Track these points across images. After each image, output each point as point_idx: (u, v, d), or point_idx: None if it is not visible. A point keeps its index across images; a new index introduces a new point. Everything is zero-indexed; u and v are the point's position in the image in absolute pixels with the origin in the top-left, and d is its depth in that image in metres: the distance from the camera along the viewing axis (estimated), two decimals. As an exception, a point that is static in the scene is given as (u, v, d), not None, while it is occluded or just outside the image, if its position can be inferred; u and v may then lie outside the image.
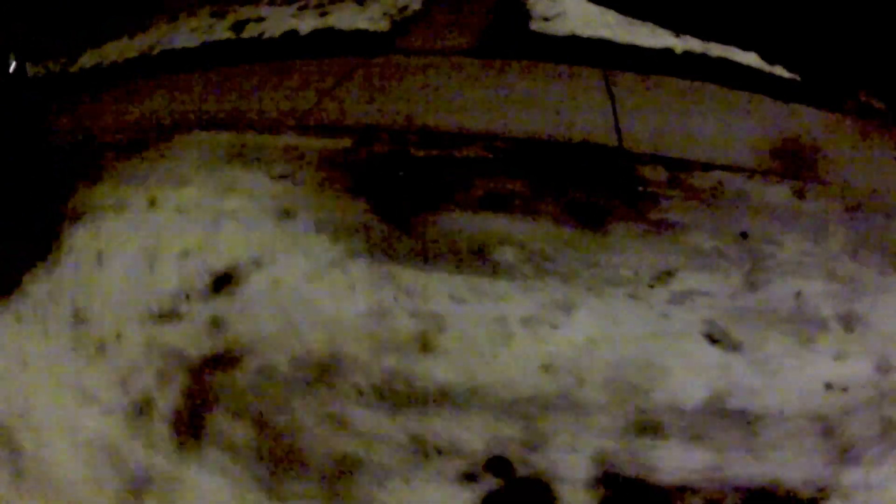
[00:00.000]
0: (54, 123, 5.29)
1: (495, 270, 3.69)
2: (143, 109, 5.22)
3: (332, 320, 3.53)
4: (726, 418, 3.26)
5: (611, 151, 4.43)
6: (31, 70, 5.74)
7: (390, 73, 5.28)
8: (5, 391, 3.87)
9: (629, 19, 5.85)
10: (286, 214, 4.09)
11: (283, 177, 4.36)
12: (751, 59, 5.48)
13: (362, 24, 5.78)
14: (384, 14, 5.83)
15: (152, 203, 4.42)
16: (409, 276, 3.66)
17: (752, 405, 3.27)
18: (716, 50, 5.49)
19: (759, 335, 3.55)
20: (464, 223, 3.96)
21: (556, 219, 3.95)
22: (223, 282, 3.83)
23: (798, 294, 3.63)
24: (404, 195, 4.10)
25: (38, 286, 4.25)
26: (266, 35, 5.81)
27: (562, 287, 3.60)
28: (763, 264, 3.86)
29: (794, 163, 4.53)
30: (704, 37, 5.65)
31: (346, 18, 5.84)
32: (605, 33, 5.54)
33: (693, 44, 5.56)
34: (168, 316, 3.76)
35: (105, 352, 3.72)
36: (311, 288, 3.67)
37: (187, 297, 3.81)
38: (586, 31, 5.56)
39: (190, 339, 3.62)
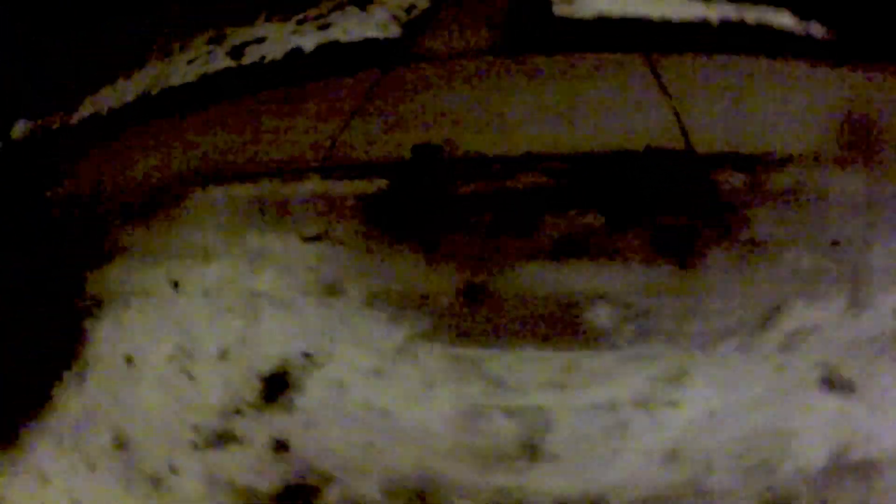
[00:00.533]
0: (59, 190, 4.68)
1: (592, 339, 3.13)
2: (147, 164, 4.60)
3: (416, 431, 3.03)
4: (849, 473, 2.81)
5: (680, 156, 3.79)
6: (27, 129, 5.10)
7: (413, 86, 4.60)
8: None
9: None
10: (332, 292, 3.52)
11: (317, 238, 3.77)
12: (785, 19, 4.73)
13: (371, 31, 5.03)
14: (392, 17, 5.08)
15: (175, 286, 3.87)
16: (494, 358, 3.14)
17: (872, 452, 2.81)
18: (750, 15, 4.73)
19: (870, 368, 3.06)
20: (543, 278, 3.43)
21: (644, 258, 3.39)
22: (276, 387, 3.31)
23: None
24: (465, 248, 3.48)
25: (70, 402, 3.79)
26: (268, 58, 5.09)
27: (670, 351, 3.06)
28: (860, 278, 3.32)
29: (860, 142, 3.87)
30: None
31: (352, 28, 5.08)
32: (633, 9, 4.78)
33: (726, 10, 4.82)
34: (223, 438, 3.26)
35: (160, 490, 3.22)
36: (382, 390, 3.14)
37: (238, 411, 3.31)
38: (613, 9, 4.81)
39: (254, 469, 3.13)
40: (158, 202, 4.24)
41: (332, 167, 4.09)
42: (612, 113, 4.16)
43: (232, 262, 3.80)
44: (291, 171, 4.13)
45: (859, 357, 3.10)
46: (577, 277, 3.32)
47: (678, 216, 3.50)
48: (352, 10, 5.23)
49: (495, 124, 4.15)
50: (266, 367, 3.36)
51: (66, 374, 3.84)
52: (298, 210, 3.95)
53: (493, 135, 4.09)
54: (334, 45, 5.01)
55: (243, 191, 4.14)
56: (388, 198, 3.81)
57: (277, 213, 3.96)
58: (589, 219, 3.53)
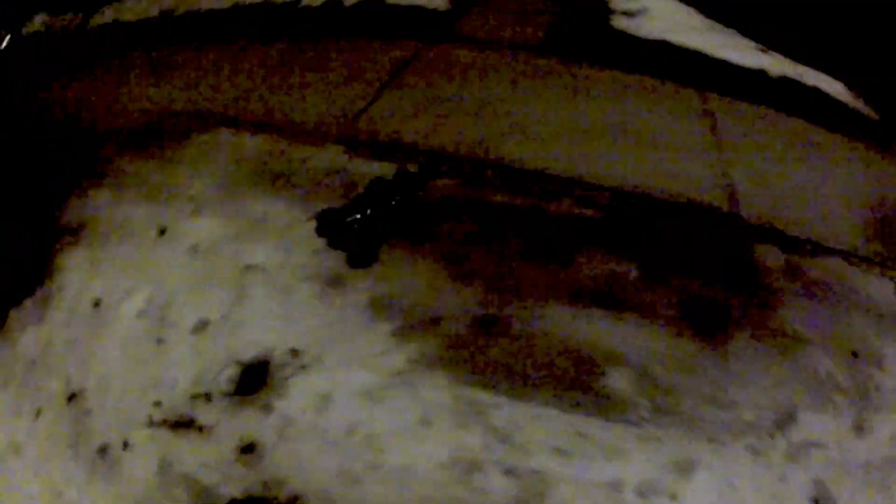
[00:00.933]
0: (56, 102, 4.22)
1: (608, 406, 2.89)
2: (156, 92, 4.16)
3: (403, 472, 2.77)
4: None
5: (725, 220, 3.52)
6: (43, 23, 4.58)
7: (453, 71, 4.21)
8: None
9: (713, 23, 4.75)
10: (333, 282, 3.19)
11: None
12: (838, 88, 4.45)
13: (418, -1, 4.59)
14: (443, -13, 4.64)
15: (162, 233, 3.51)
16: (501, 408, 2.86)
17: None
18: (809, 77, 4.45)
19: (857, 496, 2.93)
20: (568, 323, 3.14)
21: (673, 325, 3.13)
22: (254, 380, 3.02)
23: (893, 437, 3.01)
24: (490, 269, 3.19)
25: (26, 333, 3.47)
26: (304, 2, 4.61)
27: (683, 438, 2.85)
28: (869, 397, 3.16)
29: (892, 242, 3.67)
30: (788, 53, 4.69)
31: (399, -11, 4.64)
32: (694, 41, 4.46)
33: (785, 66, 4.56)
34: (185, 424, 2.96)
35: (109, 464, 2.96)
36: (372, 416, 2.85)
37: (207, 397, 2.99)
38: (674, 37, 4.47)
39: (214, 467, 2.87)
40: (160, 136, 3.86)
41: (355, 140, 3.70)
42: (661, 148, 3.86)
43: (227, 223, 3.45)
44: (310, 134, 3.73)
45: (849, 481, 2.95)
46: (602, 330, 3.06)
47: (713, 284, 3.23)
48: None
49: (535, 133, 3.83)
50: (247, 354, 3.06)
51: (27, 302, 3.49)
52: (310, 181, 3.59)
53: (533, 143, 3.77)
54: (377, 4, 4.57)
55: (253, 144, 3.77)
56: (414, 192, 3.46)
57: (286, 179, 3.59)
58: (623, 266, 3.24)
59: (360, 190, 3.46)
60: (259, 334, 3.11)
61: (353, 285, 3.21)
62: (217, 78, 4.13)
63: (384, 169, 3.57)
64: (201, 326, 3.17)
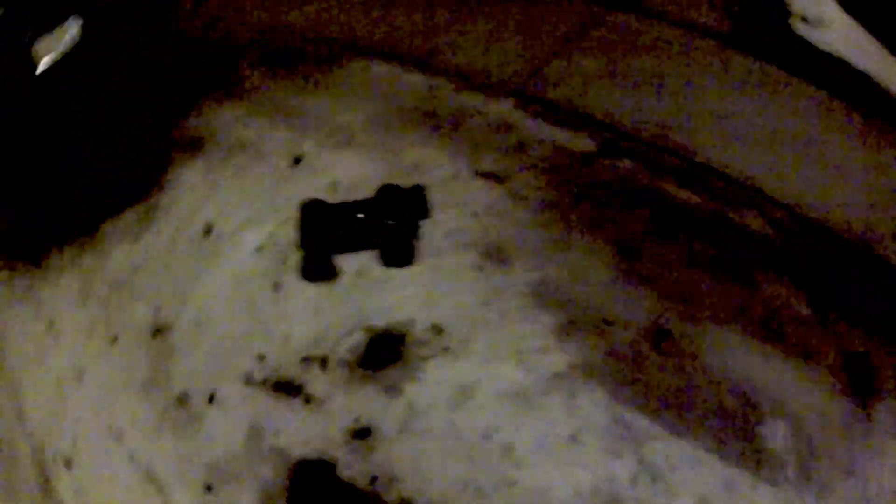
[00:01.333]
0: (194, 16, 3.75)
1: (759, 460, 2.34)
2: (300, 15, 3.61)
3: (539, 492, 2.29)
4: None
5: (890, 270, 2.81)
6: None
7: (635, 45, 3.59)
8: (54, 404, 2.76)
9: (883, 50, 4.03)
10: (495, 255, 2.55)
11: (493, 175, 2.77)
12: None
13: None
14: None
15: (296, 161, 2.93)
16: (661, 442, 2.33)
17: None
18: None
19: None
20: (742, 357, 2.51)
21: (833, 377, 2.53)
22: (383, 353, 2.40)
23: None
24: (667, 273, 2.55)
25: (119, 250, 3.02)
26: None
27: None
28: None
29: None
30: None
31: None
32: (869, 66, 3.75)
33: None
34: (292, 390, 2.34)
35: (186, 416, 2.43)
36: (518, 423, 2.35)
37: (323, 362, 2.40)
38: (851, 56, 3.78)
39: (319, 447, 2.28)
40: (301, 58, 3.26)
41: (531, 97, 3.07)
42: (844, 173, 3.18)
43: (375, 164, 2.89)
44: (479, 84, 3.12)
45: None
46: (772, 371, 2.42)
47: (872, 338, 2.56)
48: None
49: (718, 127, 3.17)
50: (380, 320, 2.44)
51: (128, 213, 2.96)
52: (479, 132, 2.99)
53: (715, 138, 3.11)
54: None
55: (413, 82, 3.17)
56: (586, 166, 2.81)
57: (452, 126, 2.96)
58: (797, 300, 2.60)
59: (531, 151, 2.80)
60: (398, 300, 2.49)
61: (516, 266, 2.56)
62: (371, 6, 3.56)
63: (555, 134, 2.92)
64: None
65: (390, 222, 2.63)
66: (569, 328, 2.52)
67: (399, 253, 2.66)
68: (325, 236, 2.66)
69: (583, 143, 3.03)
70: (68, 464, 2.61)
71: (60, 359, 2.79)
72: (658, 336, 2.53)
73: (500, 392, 2.39)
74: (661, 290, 2.64)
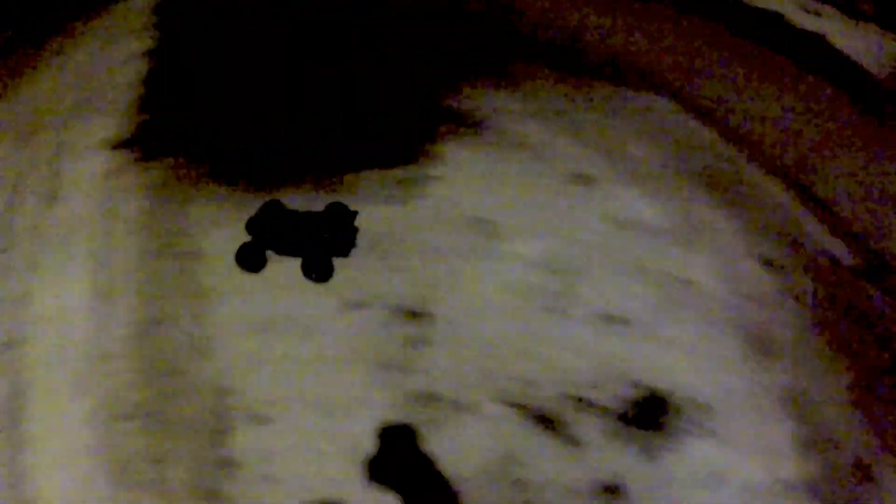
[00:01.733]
0: None
1: None
2: (606, 21, 3.52)
3: None
4: None
5: None
6: None
7: None
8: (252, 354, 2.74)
9: None
10: (760, 342, 2.57)
11: (771, 263, 2.73)
12: None
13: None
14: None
15: (584, 182, 2.98)
16: None
17: None
18: None
19: None
20: None
21: None
22: (649, 414, 2.41)
23: None
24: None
25: (382, 206, 2.99)
26: None
27: None
28: None
29: None
30: None
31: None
32: None
33: None
34: (546, 423, 2.38)
35: (429, 416, 2.42)
36: None
37: (586, 404, 2.44)
38: None
39: (565, 495, 2.37)
40: (592, 68, 3.22)
41: (803, 189, 3.02)
42: None
43: (666, 214, 2.93)
44: (759, 158, 3.07)
45: None
46: None
47: None
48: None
49: None
50: (649, 381, 2.47)
51: (396, 170, 2.97)
52: (757, 210, 2.91)
53: None
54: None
55: (700, 134, 3.17)
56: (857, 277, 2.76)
57: (732, 193, 2.93)
58: None
59: (808, 248, 2.76)
60: (669, 365, 2.50)
61: (780, 361, 2.53)
62: (685, 48, 3.46)
63: (827, 236, 2.86)
64: (607, 320, 2.55)
65: (326, 236, 2.71)
66: (807, 444, 2.52)
67: (318, 266, 2.73)
68: (265, 230, 2.74)
69: (849, 256, 2.94)
70: (259, 421, 2.52)
71: (270, 305, 2.73)
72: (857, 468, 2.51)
73: (745, 487, 2.44)
74: (876, 426, 2.59)
